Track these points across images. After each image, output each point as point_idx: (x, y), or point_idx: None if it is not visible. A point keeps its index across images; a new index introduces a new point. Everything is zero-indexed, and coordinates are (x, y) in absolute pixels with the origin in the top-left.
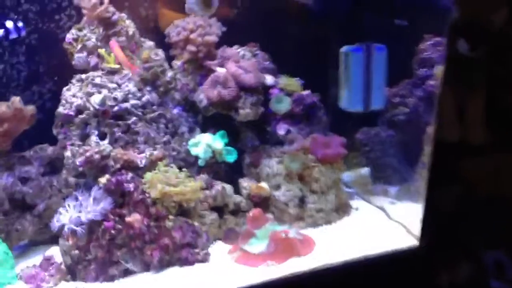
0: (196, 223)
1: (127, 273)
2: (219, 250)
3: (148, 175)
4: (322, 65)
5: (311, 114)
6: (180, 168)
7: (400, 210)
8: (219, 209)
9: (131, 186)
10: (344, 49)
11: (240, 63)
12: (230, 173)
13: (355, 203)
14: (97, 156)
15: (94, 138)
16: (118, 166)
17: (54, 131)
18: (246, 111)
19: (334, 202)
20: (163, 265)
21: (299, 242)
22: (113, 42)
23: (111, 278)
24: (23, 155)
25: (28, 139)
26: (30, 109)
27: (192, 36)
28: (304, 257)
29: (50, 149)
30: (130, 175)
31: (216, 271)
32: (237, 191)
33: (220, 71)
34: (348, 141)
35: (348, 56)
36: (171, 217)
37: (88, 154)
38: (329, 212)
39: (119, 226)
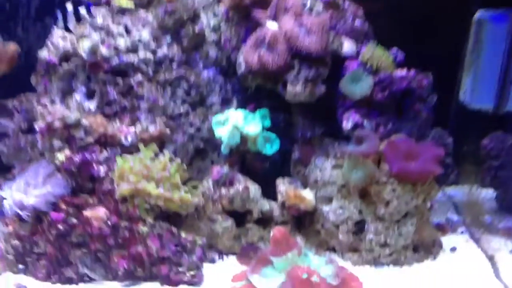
0: (184, 234)
1: (88, 279)
2: (226, 269)
3: (120, 162)
4: (439, 35)
5: (403, 105)
6: (199, 151)
7: None
8: (240, 216)
9: (101, 170)
10: (479, 14)
11: (303, 19)
12: (268, 170)
13: (455, 240)
14: (57, 124)
15: (77, 97)
16: (90, 140)
17: (33, 81)
18: (296, 88)
19: (410, 237)
20: (135, 278)
21: None
22: None
23: (67, 281)
24: (4, 104)
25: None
26: (12, 47)
27: None
28: None
29: None
30: (105, 154)
31: None
32: (273, 195)
33: (270, 26)
34: (468, 149)
35: (483, 26)
36: (148, 220)
37: (49, 119)
38: (399, 249)
39: (74, 221)
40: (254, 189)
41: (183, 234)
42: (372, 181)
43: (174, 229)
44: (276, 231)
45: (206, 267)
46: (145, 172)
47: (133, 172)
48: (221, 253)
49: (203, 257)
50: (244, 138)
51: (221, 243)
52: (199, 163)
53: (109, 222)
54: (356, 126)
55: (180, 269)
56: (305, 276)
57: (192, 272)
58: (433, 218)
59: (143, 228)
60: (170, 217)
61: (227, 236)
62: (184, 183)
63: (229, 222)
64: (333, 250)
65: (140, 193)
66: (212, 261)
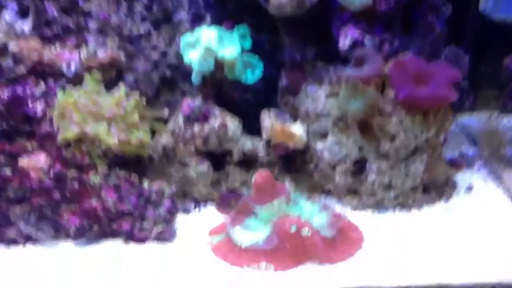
0: (146, 183)
1: (35, 239)
2: (203, 221)
3: (61, 97)
4: None
5: (412, 17)
6: (166, 81)
7: None
8: (218, 158)
9: (38, 107)
10: None
11: None
12: (250, 102)
13: (471, 177)
14: None
15: (6, 16)
16: (22, 70)
17: None
18: None
19: (420, 176)
20: (91, 236)
21: (326, 242)
22: None
23: (11, 242)
24: None
25: None
26: None
27: None
28: (330, 265)
29: None
30: (42, 88)
31: (173, 261)
32: (257, 132)
33: None
34: (487, 69)
35: None
36: (101, 169)
37: None
38: (407, 191)
39: (7, 172)
40: (233, 125)
41: (146, 184)
42: (375, 111)
43: (133, 178)
44: (258, 176)
45: (180, 219)
46: (93, 109)
47: (78, 110)
48: (196, 203)
49: (173, 208)
50: (219, 63)
51: (196, 190)
52: (167, 96)
53: (51, 172)
54: (355, 44)
55: (145, 224)
56: (294, 229)
57: (159, 227)
58: (445, 152)
59: (95, 178)
60: (130, 163)
61: (203, 182)
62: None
63: (205, 166)
64: (329, 194)
65: (87, 137)
66: (186, 211)
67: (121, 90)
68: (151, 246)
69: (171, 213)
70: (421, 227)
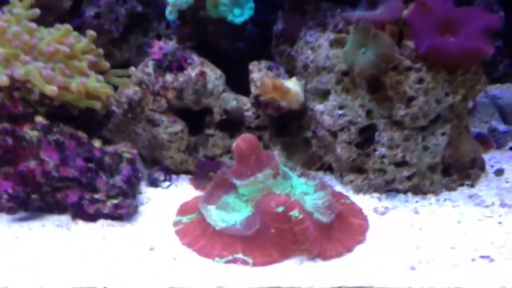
0: (98, 144)
1: None
2: (174, 197)
3: None
4: None
5: None
6: (136, 18)
7: None
8: (195, 117)
9: None
10: None
11: None
12: (238, 49)
13: (502, 158)
14: None
15: None
16: None
17: None
18: None
19: (440, 153)
20: (30, 208)
21: (321, 228)
22: None
23: None
24: None
25: None
26: None
27: None
28: (323, 262)
29: None
30: None
31: (124, 248)
32: (246, 88)
33: None
34: None
35: None
36: (39, 119)
37: None
38: (424, 171)
39: None
40: (215, 76)
41: (96, 143)
42: (389, 66)
43: (82, 135)
44: (241, 140)
45: (148, 193)
46: (27, 42)
47: (5, 40)
48: (167, 172)
49: (133, 178)
50: None
51: (167, 157)
52: (137, 37)
53: None
54: None
55: (96, 196)
56: (281, 209)
57: (114, 201)
58: (472, 126)
59: (32, 132)
60: (80, 118)
61: (176, 147)
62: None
63: (179, 126)
64: (329, 169)
65: (19, 79)
66: (153, 183)
67: (65, 26)
68: (102, 226)
69: (131, 183)
70: (439, 217)
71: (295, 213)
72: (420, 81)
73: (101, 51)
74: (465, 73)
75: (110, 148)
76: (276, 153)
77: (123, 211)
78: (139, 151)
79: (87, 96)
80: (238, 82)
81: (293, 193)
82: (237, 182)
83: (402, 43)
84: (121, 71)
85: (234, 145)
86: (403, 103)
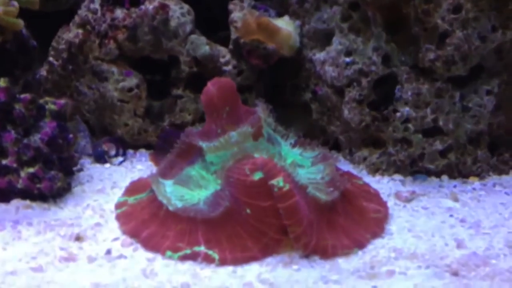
0: (3, 83)
1: None
2: (131, 174)
3: None
4: None
5: None
6: None
7: None
8: (156, 68)
9: None
10: None
11: None
12: None
13: None
14: None
15: None
16: None
17: None
18: None
19: (486, 119)
20: None
21: (319, 210)
22: None
23: None
24: None
25: None
26: None
27: None
28: (322, 261)
29: None
30: None
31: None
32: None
33: None
34: None
35: None
36: None
37: None
38: (462, 143)
39: None
40: (181, 11)
41: (1, 83)
42: None
43: None
44: (211, 85)
45: (91, 171)
46: None
47: None
48: (119, 145)
49: (61, 140)
50: None
51: (120, 124)
52: None
53: None
54: None
55: (4, 161)
56: (258, 176)
57: (30, 169)
58: None
59: None
60: None
61: (130, 109)
62: None
63: (133, 80)
64: (335, 148)
65: None
66: (100, 158)
67: None
68: (17, 208)
69: (56, 146)
70: (486, 208)
71: (278, 181)
72: (457, 9)
73: None
74: None
75: (25, 96)
76: (260, 106)
77: (44, 185)
78: (84, 116)
79: None
80: (209, 21)
81: (280, 158)
82: (204, 145)
83: None
84: None
85: (202, 92)
86: (433, 42)
